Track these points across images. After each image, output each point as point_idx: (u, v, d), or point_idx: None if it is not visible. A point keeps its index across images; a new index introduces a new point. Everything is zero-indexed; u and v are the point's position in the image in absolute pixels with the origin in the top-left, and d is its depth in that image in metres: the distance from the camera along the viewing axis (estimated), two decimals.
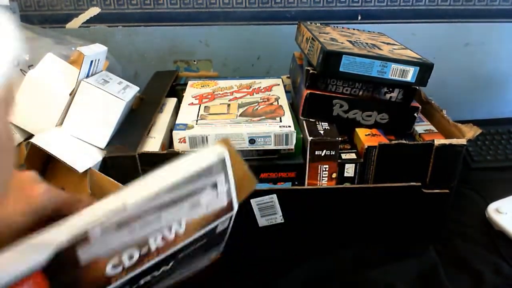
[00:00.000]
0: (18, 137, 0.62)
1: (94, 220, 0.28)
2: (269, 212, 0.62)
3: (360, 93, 0.63)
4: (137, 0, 0.94)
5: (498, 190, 0.75)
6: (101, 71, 0.68)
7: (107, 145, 0.61)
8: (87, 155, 0.58)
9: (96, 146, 0.60)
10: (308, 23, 0.80)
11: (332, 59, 0.60)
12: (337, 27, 0.84)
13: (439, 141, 0.59)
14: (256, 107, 0.68)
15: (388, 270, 0.61)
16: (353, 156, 0.63)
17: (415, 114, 0.64)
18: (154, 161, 0.58)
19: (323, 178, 0.62)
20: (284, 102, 0.69)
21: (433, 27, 0.98)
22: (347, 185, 0.63)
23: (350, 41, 0.68)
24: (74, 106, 0.60)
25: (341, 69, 0.60)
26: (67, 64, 0.64)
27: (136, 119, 0.67)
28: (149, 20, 0.96)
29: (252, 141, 0.60)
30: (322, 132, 0.61)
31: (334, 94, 0.63)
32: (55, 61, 0.62)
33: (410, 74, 0.61)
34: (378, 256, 0.64)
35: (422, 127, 0.67)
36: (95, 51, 0.64)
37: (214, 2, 0.95)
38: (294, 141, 0.61)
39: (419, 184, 0.61)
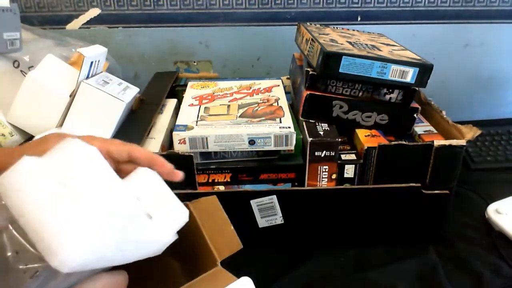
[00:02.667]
0: (18, 139, 0.62)
1: None
2: (269, 213, 0.62)
3: (360, 94, 0.63)
4: (137, 1, 0.94)
5: (498, 191, 0.75)
6: (101, 72, 0.68)
7: None
8: None
9: None
10: (308, 24, 0.81)
11: (332, 60, 0.60)
12: (337, 28, 0.84)
13: (439, 142, 0.59)
14: (256, 108, 0.68)
15: (388, 271, 0.61)
16: (353, 157, 0.63)
17: (415, 115, 0.64)
18: None
19: (323, 179, 0.62)
20: (284, 103, 0.69)
21: (433, 28, 0.98)
22: (347, 186, 0.63)
23: (349, 42, 0.68)
24: (74, 107, 0.60)
25: (340, 70, 0.60)
26: (67, 65, 0.64)
27: (136, 120, 0.67)
28: (149, 21, 0.96)
29: (252, 142, 0.60)
30: (321, 133, 0.61)
31: (333, 95, 0.63)
32: (55, 62, 0.62)
33: (410, 75, 0.61)
34: (378, 256, 0.64)
35: (421, 128, 0.67)
36: (95, 52, 0.64)
37: (214, 3, 0.95)
38: (294, 142, 0.61)
39: (419, 185, 0.61)
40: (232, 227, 0.43)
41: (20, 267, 0.27)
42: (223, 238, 0.42)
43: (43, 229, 0.25)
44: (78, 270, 0.26)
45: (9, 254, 0.27)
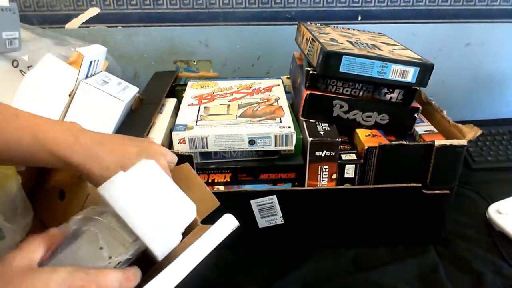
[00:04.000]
0: None
1: None
2: (269, 213, 0.62)
3: (360, 93, 0.63)
4: (136, 1, 0.94)
5: (499, 191, 0.75)
6: (101, 71, 0.68)
7: None
8: None
9: None
10: (308, 23, 0.80)
11: (332, 59, 0.60)
12: (337, 27, 0.84)
13: (440, 141, 0.58)
14: (256, 107, 0.68)
15: (388, 271, 0.61)
16: (353, 157, 0.62)
17: (416, 115, 0.64)
18: None
19: (323, 179, 0.62)
20: (284, 102, 0.69)
21: (434, 27, 0.98)
22: (347, 186, 0.62)
23: (350, 42, 0.68)
24: (73, 107, 0.60)
25: (341, 70, 0.60)
26: (66, 65, 0.63)
27: (135, 120, 0.67)
28: (149, 20, 0.96)
29: (252, 141, 0.60)
30: (322, 132, 0.61)
31: (334, 95, 0.63)
32: (54, 61, 0.62)
33: (411, 74, 0.60)
34: (378, 256, 0.64)
35: (422, 127, 0.67)
36: (95, 51, 0.64)
37: (214, 2, 0.95)
38: (294, 142, 0.61)
39: (420, 185, 0.61)
40: (207, 188, 0.48)
41: (108, 258, 0.35)
42: (200, 199, 0.44)
43: (145, 227, 0.35)
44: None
45: (100, 247, 0.35)
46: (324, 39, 0.66)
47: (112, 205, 0.35)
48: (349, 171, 0.62)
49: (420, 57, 0.63)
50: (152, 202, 0.36)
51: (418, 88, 0.63)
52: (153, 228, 0.35)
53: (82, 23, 0.95)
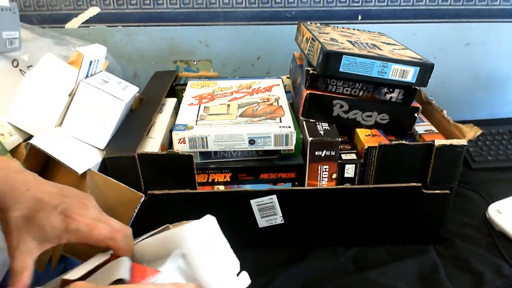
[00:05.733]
0: (18, 138, 0.62)
1: None
2: (269, 213, 0.62)
3: (360, 93, 0.63)
4: (136, 0, 0.94)
5: (499, 191, 0.75)
6: (101, 71, 0.68)
7: (106, 145, 0.60)
8: (86, 156, 0.57)
9: (95, 147, 0.60)
10: (308, 23, 0.80)
11: (332, 59, 0.60)
12: (337, 27, 0.84)
13: (440, 141, 0.58)
14: (256, 107, 0.68)
15: (388, 271, 0.61)
16: (353, 156, 0.62)
17: (416, 115, 0.64)
18: (153, 161, 0.58)
19: (323, 179, 0.62)
20: (284, 102, 0.69)
21: (434, 27, 0.98)
22: (347, 185, 0.63)
23: (350, 41, 0.68)
24: (73, 107, 0.60)
25: (341, 70, 0.60)
26: (66, 65, 0.63)
27: (135, 120, 0.67)
28: (149, 20, 0.96)
29: (251, 141, 0.60)
30: (322, 132, 0.61)
31: (334, 95, 0.63)
32: (54, 61, 0.62)
33: (411, 74, 0.60)
34: (378, 256, 0.64)
35: (422, 127, 0.67)
36: (95, 51, 0.64)
37: (214, 2, 0.95)
38: (294, 142, 0.61)
39: (420, 184, 0.61)
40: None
41: None
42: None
43: (215, 272, 0.40)
44: None
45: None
46: (324, 39, 0.66)
47: (190, 248, 0.39)
48: (349, 171, 0.62)
49: (420, 57, 0.63)
50: (216, 250, 0.41)
51: (418, 88, 0.63)
52: (221, 273, 0.40)
53: (82, 23, 0.95)
